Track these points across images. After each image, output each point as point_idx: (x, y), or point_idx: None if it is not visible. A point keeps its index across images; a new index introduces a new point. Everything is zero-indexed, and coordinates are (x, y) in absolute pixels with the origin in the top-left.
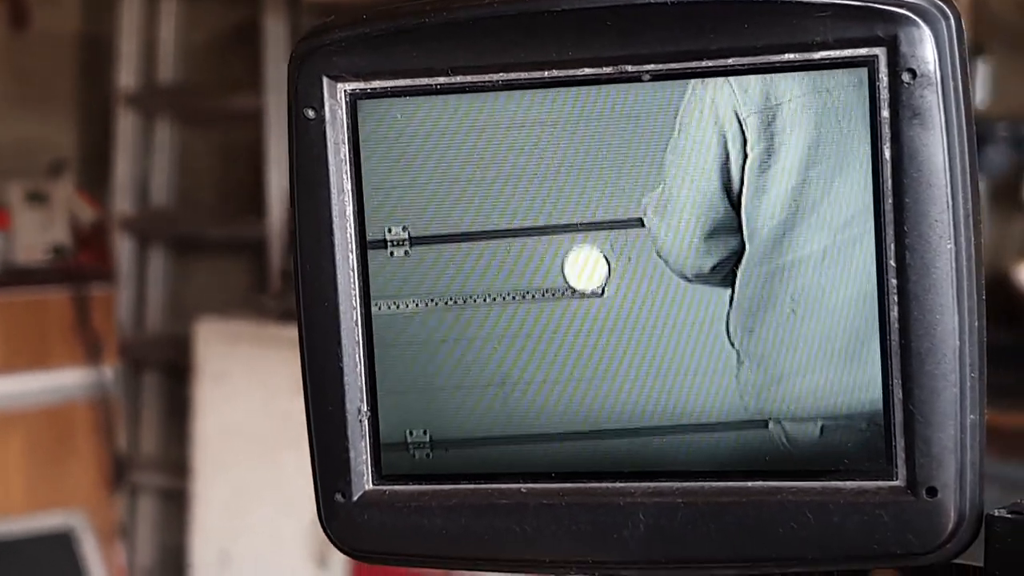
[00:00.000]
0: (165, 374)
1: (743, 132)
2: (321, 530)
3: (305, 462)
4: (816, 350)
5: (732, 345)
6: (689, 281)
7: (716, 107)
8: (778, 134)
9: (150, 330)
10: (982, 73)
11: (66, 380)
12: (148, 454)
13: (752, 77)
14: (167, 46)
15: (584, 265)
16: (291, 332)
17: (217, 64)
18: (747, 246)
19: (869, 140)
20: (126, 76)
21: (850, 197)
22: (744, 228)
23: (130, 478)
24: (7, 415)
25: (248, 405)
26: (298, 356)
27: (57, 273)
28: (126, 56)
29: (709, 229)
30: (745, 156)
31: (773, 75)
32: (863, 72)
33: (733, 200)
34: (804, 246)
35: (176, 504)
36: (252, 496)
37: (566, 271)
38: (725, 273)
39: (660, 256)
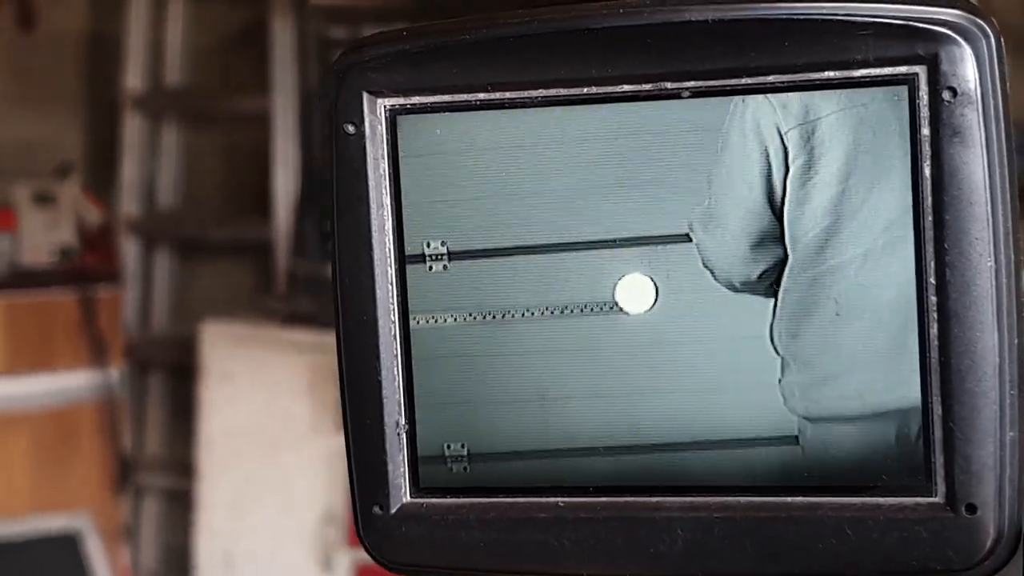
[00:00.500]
0: (170, 375)
1: (784, 146)
2: (326, 532)
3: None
4: (860, 349)
5: (776, 352)
6: (736, 291)
7: (758, 123)
8: (817, 147)
9: (156, 331)
10: None
11: (71, 381)
12: (153, 455)
13: (791, 94)
14: (174, 48)
15: (632, 287)
16: (296, 334)
17: (224, 66)
18: (790, 254)
19: (903, 148)
20: (133, 78)
21: (888, 203)
22: (787, 237)
23: (135, 479)
24: (12, 416)
25: (253, 407)
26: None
27: (63, 274)
28: (133, 57)
29: (755, 239)
30: (787, 169)
31: (812, 92)
32: (903, 90)
33: (776, 211)
34: (845, 251)
35: (181, 505)
36: (257, 497)
37: (617, 295)
38: (771, 281)
39: (707, 267)
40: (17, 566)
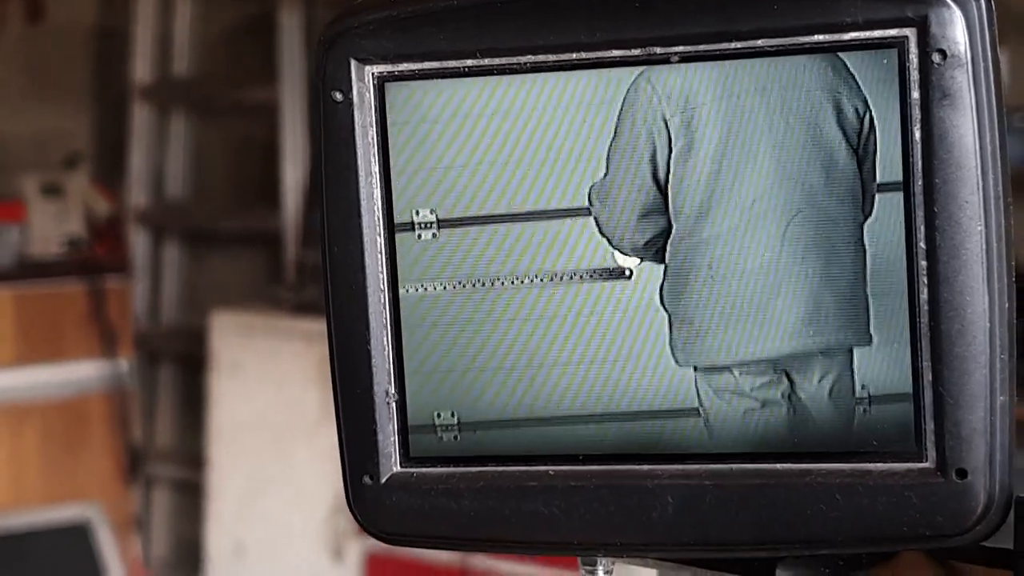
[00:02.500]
0: (180, 366)
1: (668, 130)
2: (337, 522)
3: (319, 454)
4: (730, 308)
5: (665, 309)
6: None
7: (645, 109)
8: (696, 131)
9: (165, 322)
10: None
11: (81, 372)
12: (163, 446)
13: (674, 77)
14: (182, 39)
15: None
16: (306, 324)
17: (232, 57)
18: (673, 225)
19: (771, 136)
20: (141, 69)
21: (755, 181)
22: (670, 209)
23: (145, 470)
24: (23, 407)
25: (263, 397)
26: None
27: (72, 265)
28: (141, 49)
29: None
30: (670, 150)
31: (695, 74)
32: (893, 53)
33: (661, 187)
34: (718, 223)
35: (191, 495)
36: (267, 487)
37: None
38: (656, 248)
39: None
40: (28, 556)
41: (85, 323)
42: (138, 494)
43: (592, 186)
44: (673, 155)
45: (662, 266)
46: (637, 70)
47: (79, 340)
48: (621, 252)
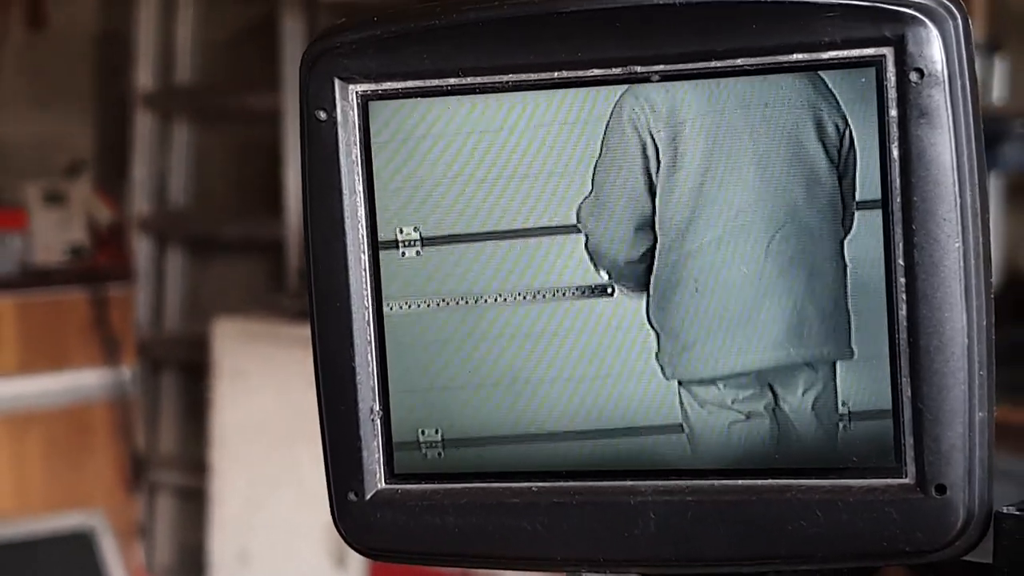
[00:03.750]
0: (183, 373)
1: (655, 144)
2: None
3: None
4: (715, 321)
5: (651, 324)
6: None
7: (634, 122)
8: (681, 145)
9: (168, 329)
10: (999, 70)
11: (84, 380)
12: (166, 453)
13: (659, 92)
14: (184, 45)
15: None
16: (308, 331)
17: (234, 63)
18: (660, 238)
19: (754, 149)
20: (143, 75)
21: (738, 194)
22: (657, 223)
23: (148, 477)
24: (26, 415)
25: (265, 403)
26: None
27: (75, 273)
28: (143, 55)
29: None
30: (658, 163)
31: (679, 90)
32: (871, 72)
33: (651, 201)
34: (702, 235)
35: (194, 502)
36: (270, 494)
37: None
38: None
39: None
40: (32, 564)
41: (88, 331)
42: (141, 501)
43: (580, 204)
44: (660, 170)
45: (648, 281)
46: (621, 88)
47: (82, 348)
48: (608, 270)
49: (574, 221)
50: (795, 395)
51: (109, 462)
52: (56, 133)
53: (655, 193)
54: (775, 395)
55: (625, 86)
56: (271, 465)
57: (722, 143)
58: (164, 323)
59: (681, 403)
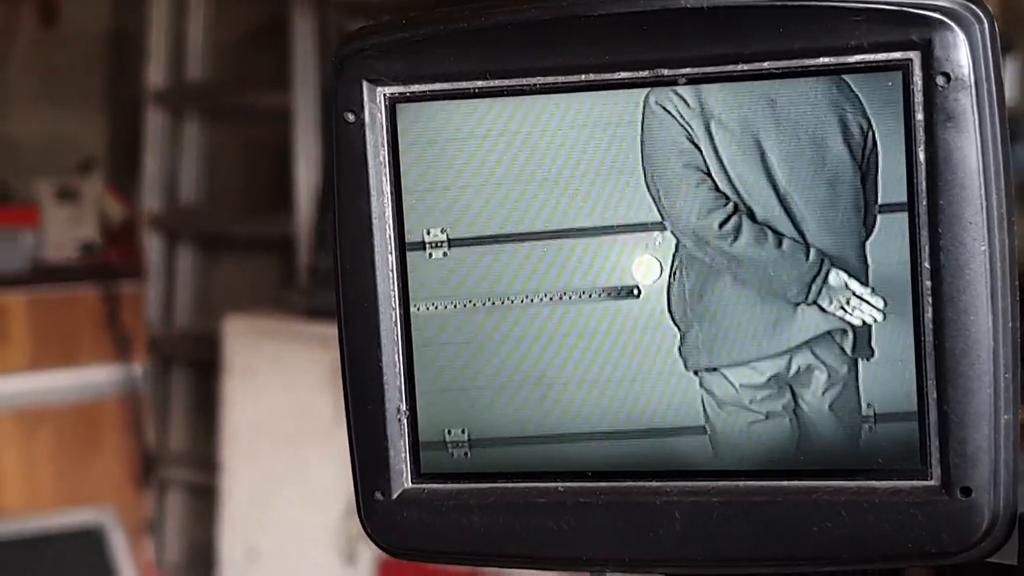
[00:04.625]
0: (193, 370)
1: (693, 142)
2: (349, 526)
3: (332, 458)
4: (736, 316)
5: (674, 321)
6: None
7: (672, 115)
8: (716, 136)
9: (178, 327)
10: (1011, 70)
11: (95, 377)
12: (176, 450)
13: (687, 91)
14: (195, 43)
15: (638, 270)
16: (318, 328)
17: (245, 61)
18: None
19: (782, 146)
20: (155, 73)
21: (765, 193)
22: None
23: (158, 474)
24: (37, 412)
25: (276, 401)
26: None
27: (87, 270)
28: (155, 53)
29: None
30: (701, 153)
31: (706, 90)
32: (897, 76)
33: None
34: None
35: (204, 500)
36: (280, 491)
37: (633, 269)
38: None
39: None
40: (42, 561)
41: (99, 327)
42: (151, 498)
43: (658, 202)
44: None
45: (668, 278)
46: (647, 90)
47: (93, 345)
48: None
49: (600, 222)
50: (815, 395)
51: (119, 459)
52: (68, 130)
53: (712, 174)
54: (794, 395)
55: (651, 88)
56: (281, 462)
57: (750, 140)
58: (175, 320)
59: (703, 404)
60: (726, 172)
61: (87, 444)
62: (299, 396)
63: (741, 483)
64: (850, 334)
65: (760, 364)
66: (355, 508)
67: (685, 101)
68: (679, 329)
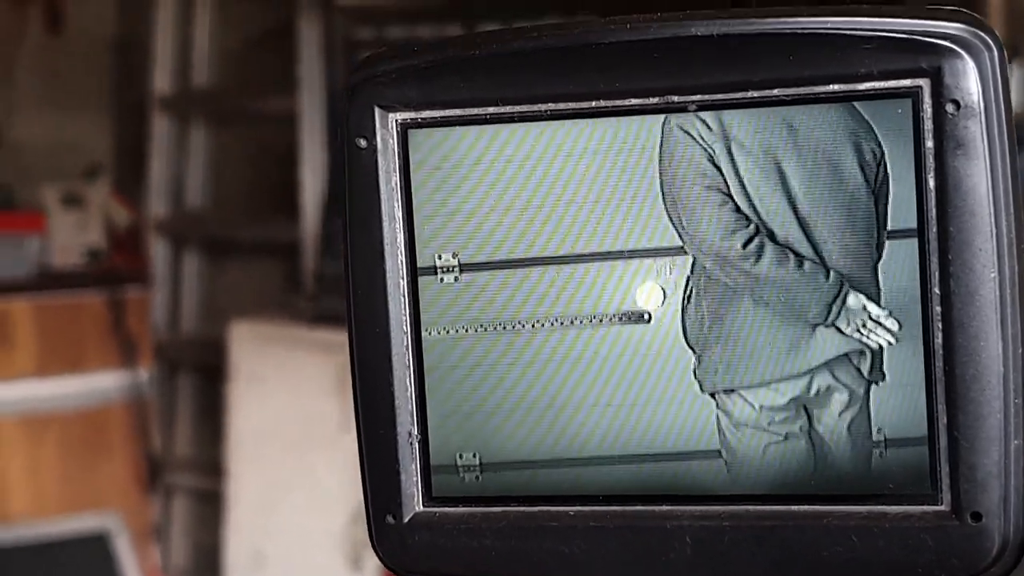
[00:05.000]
0: (199, 376)
1: (715, 165)
2: (355, 532)
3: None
4: (752, 338)
5: (688, 344)
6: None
7: (695, 139)
8: (736, 158)
9: (184, 332)
10: (1015, 76)
11: (101, 382)
12: (182, 455)
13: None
14: (201, 49)
15: (644, 297)
16: (324, 334)
17: (251, 67)
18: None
19: (800, 171)
20: (160, 79)
21: (784, 216)
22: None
23: (164, 479)
24: (43, 417)
25: (282, 406)
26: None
27: (92, 276)
28: (160, 59)
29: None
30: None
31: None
32: (907, 103)
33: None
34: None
35: (210, 505)
36: (286, 497)
37: (633, 304)
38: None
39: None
40: (48, 566)
41: (105, 333)
42: (157, 503)
43: (679, 228)
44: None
45: (682, 301)
46: (661, 116)
47: (99, 350)
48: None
49: (612, 248)
50: (831, 417)
51: (125, 464)
52: (73, 136)
53: (733, 195)
54: (810, 417)
55: (664, 115)
56: (287, 468)
57: (769, 162)
58: (181, 325)
59: (719, 426)
60: (747, 194)
61: (93, 450)
62: (305, 401)
63: (752, 507)
64: (868, 356)
65: (781, 385)
66: (360, 514)
67: (707, 125)
68: (694, 352)
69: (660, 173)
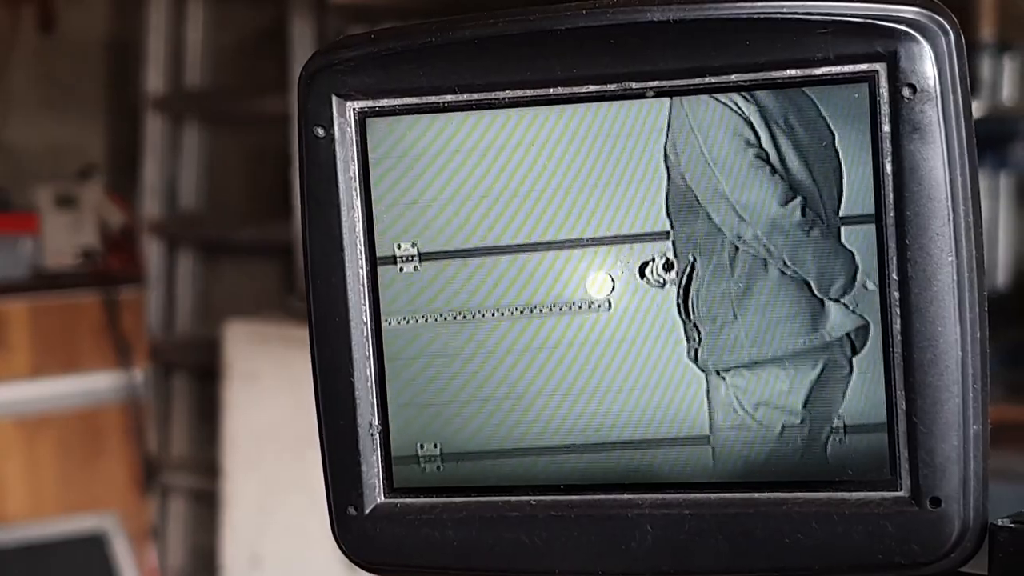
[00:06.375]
0: (195, 376)
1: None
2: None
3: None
4: (732, 316)
5: (687, 316)
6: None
7: (700, 119)
8: (760, 132)
9: (179, 332)
10: (1008, 70)
11: (96, 383)
12: (178, 456)
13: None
14: (194, 49)
15: (596, 286)
16: None
17: (244, 67)
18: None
19: (741, 160)
20: (154, 80)
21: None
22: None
23: (161, 480)
24: (39, 418)
25: (278, 406)
26: None
27: (87, 277)
28: (153, 59)
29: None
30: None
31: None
32: (863, 87)
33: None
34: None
35: (207, 505)
36: (283, 497)
37: (584, 293)
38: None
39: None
40: (45, 567)
41: (99, 334)
42: (154, 504)
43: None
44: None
45: (681, 282)
46: (618, 103)
47: (94, 351)
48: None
49: (573, 235)
50: (797, 401)
51: (121, 465)
52: (67, 137)
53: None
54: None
55: (621, 101)
56: (283, 468)
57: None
58: (176, 326)
59: (696, 413)
60: (786, 166)
61: (89, 451)
62: (300, 401)
63: (712, 495)
64: (862, 336)
65: (789, 363)
66: None
67: (742, 98)
68: (698, 332)
69: (667, 154)
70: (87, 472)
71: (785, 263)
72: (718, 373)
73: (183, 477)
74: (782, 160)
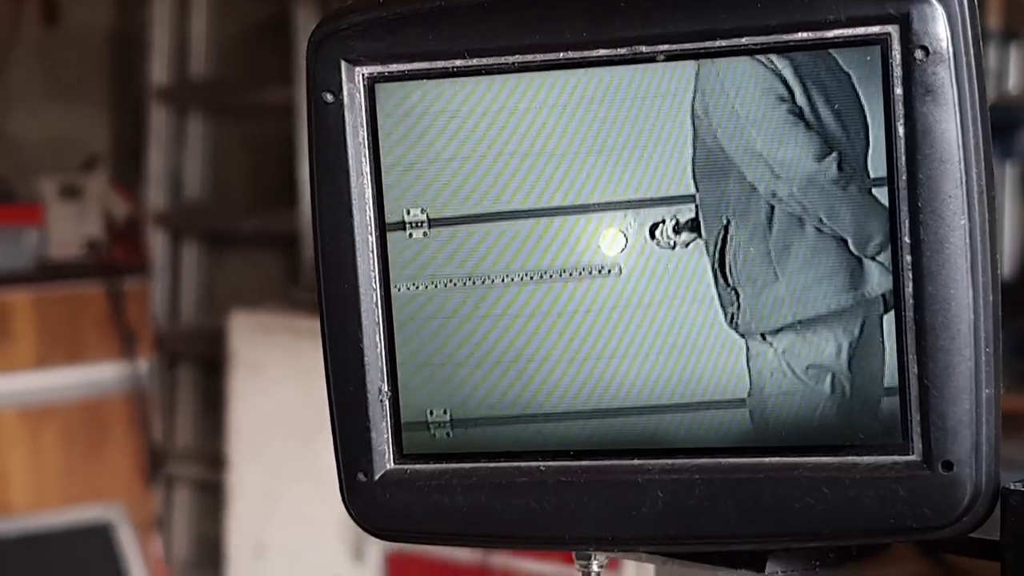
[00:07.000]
0: (199, 366)
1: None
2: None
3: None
4: (760, 279)
5: (725, 280)
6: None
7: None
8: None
9: (184, 323)
10: (1015, 58)
11: (101, 374)
12: (183, 446)
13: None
14: (199, 40)
15: (610, 249)
16: None
17: (248, 58)
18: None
19: (769, 122)
20: (158, 71)
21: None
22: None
23: (166, 470)
24: (43, 409)
25: (282, 396)
26: None
27: (91, 267)
28: (158, 50)
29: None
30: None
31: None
32: (876, 50)
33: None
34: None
35: (212, 495)
36: (287, 487)
37: (596, 257)
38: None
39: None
40: (50, 557)
41: (104, 325)
42: (159, 494)
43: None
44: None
45: (715, 245)
46: (630, 67)
47: (98, 342)
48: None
49: (582, 200)
50: (818, 365)
51: (126, 455)
52: (72, 128)
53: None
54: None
55: (631, 66)
56: (288, 458)
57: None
58: (180, 316)
59: (747, 372)
60: (821, 121)
61: (94, 441)
62: (305, 391)
63: (722, 460)
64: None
65: (834, 322)
66: None
67: (776, 55)
68: (736, 293)
69: (695, 115)
70: (92, 462)
71: (821, 220)
72: (763, 337)
73: (188, 467)
74: (816, 115)
